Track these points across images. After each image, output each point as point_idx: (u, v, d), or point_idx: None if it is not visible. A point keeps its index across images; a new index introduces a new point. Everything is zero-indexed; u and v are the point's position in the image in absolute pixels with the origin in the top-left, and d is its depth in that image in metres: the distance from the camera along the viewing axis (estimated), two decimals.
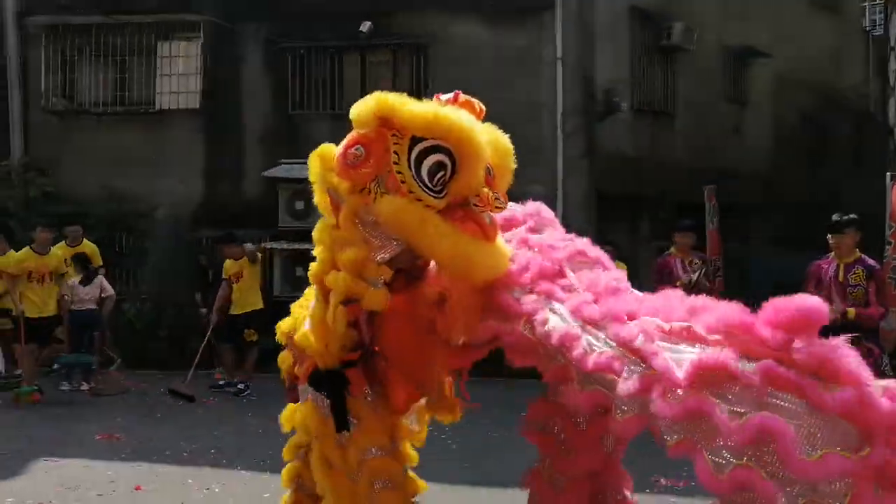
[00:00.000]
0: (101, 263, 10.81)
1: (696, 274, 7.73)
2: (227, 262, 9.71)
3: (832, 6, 17.00)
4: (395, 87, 11.92)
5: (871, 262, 6.42)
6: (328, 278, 3.31)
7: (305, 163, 11.82)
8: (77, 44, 12.49)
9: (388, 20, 11.80)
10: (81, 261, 9.85)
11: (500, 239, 3.34)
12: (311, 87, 12.12)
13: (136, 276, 12.23)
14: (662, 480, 5.76)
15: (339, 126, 13.21)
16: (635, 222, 12.72)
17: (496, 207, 3.25)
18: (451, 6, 11.71)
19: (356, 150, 3.24)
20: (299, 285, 11.96)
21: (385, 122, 3.20)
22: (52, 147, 12.52)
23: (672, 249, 8.09)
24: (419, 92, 11.77)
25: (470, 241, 3.15)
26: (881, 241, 8.76)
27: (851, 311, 6.09)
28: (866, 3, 16.47)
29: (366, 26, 11.66)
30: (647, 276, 9.42)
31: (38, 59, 12.53)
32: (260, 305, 9.77)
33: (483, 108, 3.43)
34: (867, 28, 16.32)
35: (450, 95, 3.38)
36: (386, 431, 3.40)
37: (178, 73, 12.18)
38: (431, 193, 3.19)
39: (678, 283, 7.56)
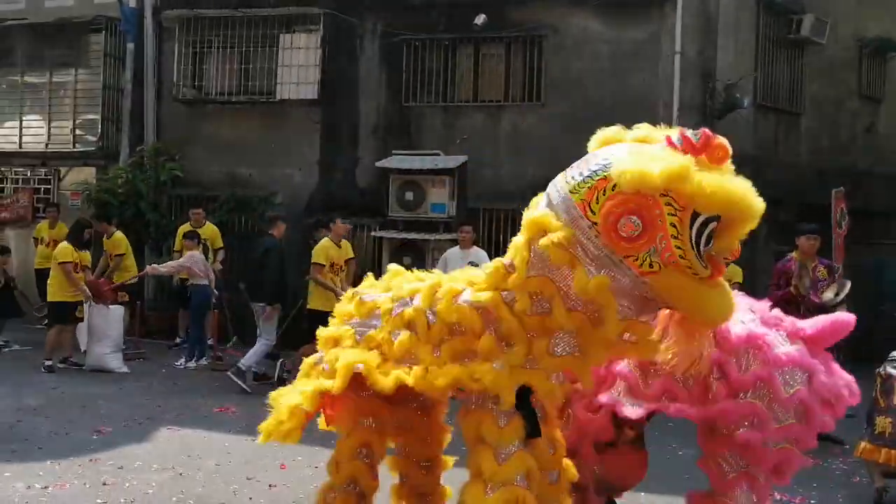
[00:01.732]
0: (221, 245, 11.37)
1: (843, 292, 7.35)
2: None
3: None
4: (507, 80, 11.95)
5: None
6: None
7: (417, 154, 12.13)
8: (206, 36, 13.05)
9: (503, 12, 11.73)
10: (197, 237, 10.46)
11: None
12: (425, 78, 12.22)
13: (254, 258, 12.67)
14: (777, 495, 5.53)
15: (451, 117, 13.50)
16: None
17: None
18: None
19: (633, 221, 3.19)
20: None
21: (667, 195, 3.20)
22: (181, 134, 13.17)
23: (794, 254, 7.73)
24: (532, 84, 11.73)
25: (722, 295, 3.36)
26: None
27: None
28: None
29: (480, 18, 11.64)
30: (763, 282, 9.03)
31: (171, 51, 13.18)
32: None
33: (729, 148, 3.43)
34: None
35: (697, 134, 3.34)
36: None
37: (298, 65, 12.52)
38: (702, 262, 3.29)
39: (792, 287, 7.24)
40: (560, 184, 3.47)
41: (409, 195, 11.65)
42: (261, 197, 12.49)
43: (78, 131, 13.71)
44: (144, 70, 13.27)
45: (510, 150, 11.84)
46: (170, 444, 6.51)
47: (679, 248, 3.19)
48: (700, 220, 3.22)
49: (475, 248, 9.44)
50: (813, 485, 6.01)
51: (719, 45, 11.41)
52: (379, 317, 3.92)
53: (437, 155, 11.74)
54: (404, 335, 3.74)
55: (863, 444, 5.62)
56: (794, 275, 7.54)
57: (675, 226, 3.17)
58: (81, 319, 9.79)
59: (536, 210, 3.51)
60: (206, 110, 13.20)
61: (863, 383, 6.02)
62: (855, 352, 8.29)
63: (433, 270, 4.59)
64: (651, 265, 3.21)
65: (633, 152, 3.30)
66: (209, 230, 11.35)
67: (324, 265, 9.24)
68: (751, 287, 10.62)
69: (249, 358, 9.06)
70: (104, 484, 5.40)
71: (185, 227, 11.19)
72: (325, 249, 9.36)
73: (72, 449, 6.16)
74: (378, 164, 11.86)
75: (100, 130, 13.53)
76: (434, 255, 11.46)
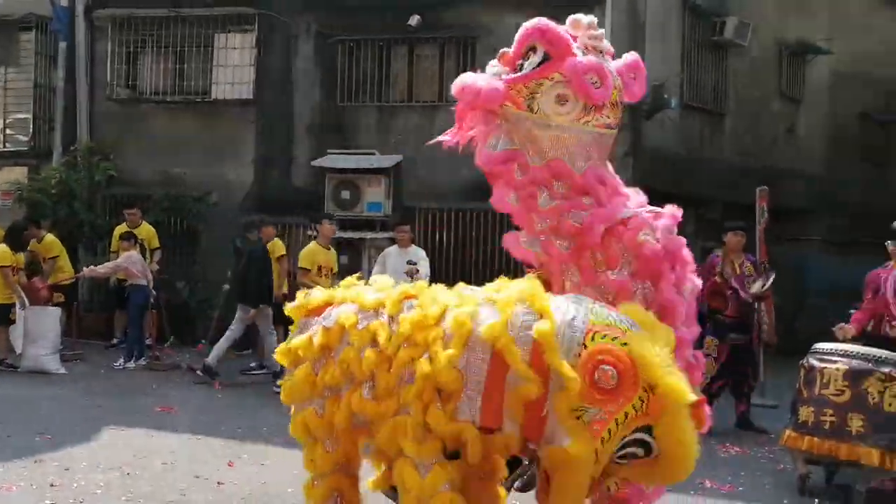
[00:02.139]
0: (158, 246, 11.27)
1: (768, 282, 7.69)
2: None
3: None
4: (441, 80, 12.11)
5: None
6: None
7: (353, 153, 12.22)
8: (140, 36, 12.89)
9: (437, 13, 11.88)
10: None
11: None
12: (359, 78, 12.30)
13: (190, 257, 12.61)
14: (707, 482, 5.90)
15: (386, 117, 13.60)
16: (681, 222, 12.59)
17: None
18: (498, 0, 11.74)
19: (611, 375, 3.30)
20: (343, 273, 12.25)
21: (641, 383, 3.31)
22: (115, 133, 12.99)
23: (718, 251, 8.05)
24: None
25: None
26: None
27: None
28: None
29: (414, 20, 11.78)
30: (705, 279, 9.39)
31: (105, 50, 12.99)
32: None
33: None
34: None
35: None
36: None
37: (233, 65, 12.48)
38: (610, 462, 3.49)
39: (716, 278, 7.57)
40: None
41: (345, 194, 11.75)
42: (195, 196, 12.40)
43: (8, 130, 13.47)
44: (77, 69, 13.03)
45: (445, 150, 11.90)
46: (114, 444, 6.48)
47: (613, 433, 3.31)
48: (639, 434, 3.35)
49: (413, 246, 9.56)
50: (741, 473, 6.33)
51: (647, 48, 11.74)
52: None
53: (373, 154, 11.85)
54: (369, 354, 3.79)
55: (787, 432, 5.89)
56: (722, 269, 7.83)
57: (627, 415, 3.30)
58: (14, 322, 9.67)
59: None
60: (140, 109, 13.03)
61: (788, 375, 6.41)
62: (779, 345, 8.74)
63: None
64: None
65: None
66: (145, 230, 11.24)
67: (309, 269, 9.20)
68: None
69: (270, 358, 8.95)
70: (51, 485, 5.37)
71: (121, 228, 11.06)
72: (313, 254, 9.34)
73: (15, 452, 6.09)
74: (314, 163, 11.93)
75: (31, 129, 13.30)
76: (371, 254, 11.58)
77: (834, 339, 6.14)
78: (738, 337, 7.62)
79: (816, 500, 5.67)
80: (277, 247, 10.17)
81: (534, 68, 4.11)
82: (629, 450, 3.38)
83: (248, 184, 12.53)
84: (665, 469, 3.42)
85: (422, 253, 9.50)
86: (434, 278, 9.46)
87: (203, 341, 10.99)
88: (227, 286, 10.62)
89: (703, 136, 12.89)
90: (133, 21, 12.84)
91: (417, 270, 8.97)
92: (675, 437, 3.30)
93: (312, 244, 9.54)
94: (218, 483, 5.58)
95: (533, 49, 4.18)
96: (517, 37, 4.27)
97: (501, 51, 4.37)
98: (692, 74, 12.53)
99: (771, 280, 7.75)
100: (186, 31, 12.69)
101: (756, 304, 7.91)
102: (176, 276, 12.11)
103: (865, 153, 15.89)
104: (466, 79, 4.28)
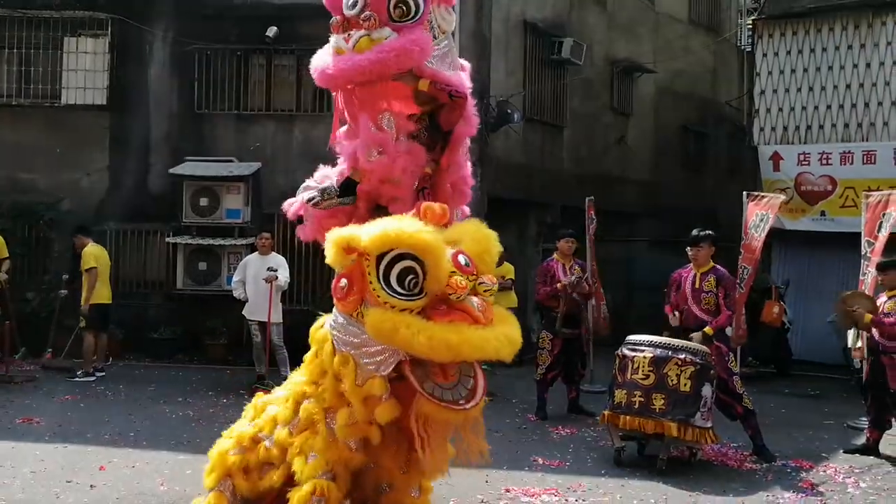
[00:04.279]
0: (6, 255, 11.03)
1: (575, 277, 8.58)
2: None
3: (710, 25, 18.35)
4: (299, 91, 12.53)
5: (721, 270, 7.22)
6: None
7: (210, 160, 12.61)
8: None
9: (294, 26, 12.24)
10: None
11: (507, 321, 3.98)
12: (217, 87, 12.51)
13: (41, 267, 12.40)
14: (540, 460, 6.70)
15: (244, 125, 13.90)
16: (523, 226, 13.59)
17: (484, 291, 3.85)
18: None
19: (341, 283, 3.91)
20: (201, 279, 12.49)
21: (358, 252, 3.82)
22: None
23: (555, 255, 8.93)
24: (322, 96, 12.38)
25: (447, 329, 3.68)
26: None
27: (708, 329, 6.92)
28: (741, 23, 17.88)
29: (272, 31, 12.10)
30: (533, 277, 10.29)
31: None
32: None
33: (446, 210, 4.04)
34: (742, 46, 17.72)
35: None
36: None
37: (85, 70, 12.37)
38: (405, 298, 3.77)
39: (559, 285, 8.45)
40: None
41: (204, 201, 11.96)
42: (46, 203, 12.22)
43: None
44: None
45: (303, 158, 12.35)
46: None
47: (374, 289, 3.80)
48: (384, 260, 3.80)
49: (273, 253, 9.92)
50: (570, 448, 7.24)
51: (492, 65, 12.65)
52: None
53: (231, 162, 12.11)
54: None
55: (606, 413, 6.85)
56: (557, 272, 8.69)
57: (369, 273, 3.83)
58: None
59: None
60: None
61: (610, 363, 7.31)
62: (610, 336, 9.73)
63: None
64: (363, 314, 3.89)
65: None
66: None
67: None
68: (523, 282, 12.06)
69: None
70: None
71: None
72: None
73: None
74: (171, 170, 12.03)
75: None
76: (230, 261, 11.86)
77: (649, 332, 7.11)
78: (569, 331, 8.54)
79: None
80: (85, 258, 10.15)
81: None
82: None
83: (102, 191, 12.47)
84: None
85: (281, 259, 9.86)
86: (293, 284, 9.94)
87: (50, 350, 10.93)
88: (64, 291, 10.81)
89: (543, 147, 13.94)
90: None
91: (277, 277, 9.38)
92: None
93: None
94: (91, 486, 5.79)
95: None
96: None
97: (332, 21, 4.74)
98: (533, 90, 13.54)
99: (578, 277, 8.62)
100: (33, 33, 12.44)
101: (584, 301, 8.87)
102: (26, 286, 11.93)
103: (685, 162, 17.59)
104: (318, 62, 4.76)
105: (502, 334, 3.84)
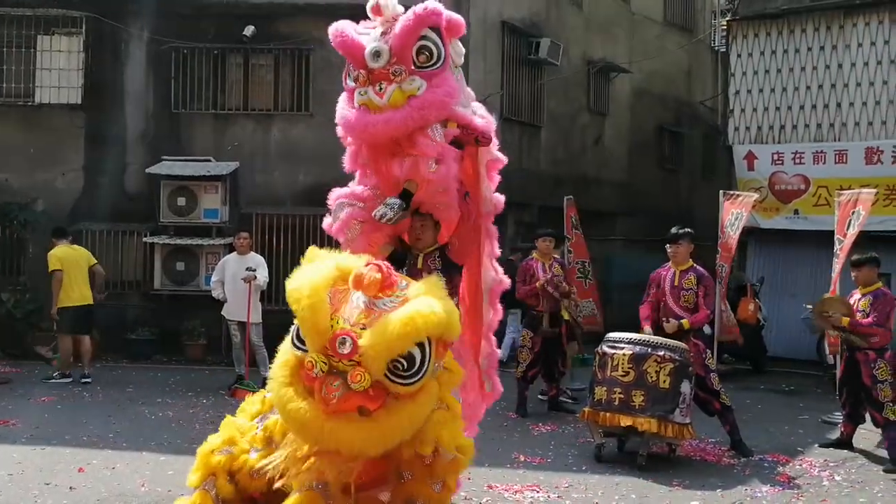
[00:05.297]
0: None
1: (551, 275, 8.64)
2: None
3: (685, 26, 18.53)
4: (277, 90, 12.50)
5: (701, 269, 7.29)
6: None
7: (188, 160, 12.57)
8: None
9: (272, 25, 12.25)
10: None
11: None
12: (194, 86, 12.45)
13: (16, 268, 12.29)
14: (521, 457, 6.75)
15: (222, 125, 13.87)
16: (501, 226, 13.58)
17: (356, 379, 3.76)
18: (333, 14, 12.21)
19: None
20: (179, 279, 12.44)
21: None
22: None
23: (534, 254, 8.99)
24: (301, 95, 12.37)
25: (297, 402, 3.80)
26: None
27: (685, 322, 6.99)
28: (715, 24, 18.08)
29: (249, 30, 12.08)
30: (511, 276, 10.33)
31: None
32: None
33: (376, 282, 3.89)
34: (717, 47, 17.92)
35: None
36: None
37: (59, 68, 12.24)
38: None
39: (537, 283, 8.50)
40: None
41: (181, 201, 11.91)
42: (20, 204, 12.09)
43: None
44: None
45: (280, 158, 12.40)
46: None
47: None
48: None
49: (252, 253, 9.88)
50: (550, 445, 7.29)
51: (471, 65, 12.67)
52: None
53: (209, 161, 12.06)
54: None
55: (586, 410, 6.90)
56: (536, 271, 8.75)
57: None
58: None
59: None
60: None
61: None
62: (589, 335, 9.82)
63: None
64: None
65: None
66: None
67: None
68: None
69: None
70: None
71: None
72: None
73: None
74: (148, 170, 11.96)
75: None
76: (208, 260, 11.82)
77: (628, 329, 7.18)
78: (550, 330, 8.60)
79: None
80: (49, 261, 9.94)
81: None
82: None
83: (77, 191, 12.38)
84: None
85: (259, 259, 9.81)
86: (272, 284, 9.92)
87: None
88: None
89: (521, 147, 14.00)
90: None
91: (255, 277, 9.35)
92: None
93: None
94: (70, 488, 5.75)
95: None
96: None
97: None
98: (511, 90, 13.60)
99: (554, 275, 8.67)
100: (6, 31, 12.33)
101: (564, 299, 8.92)
102: (0, 287, 11.81)
103: (660, 161, 17.75)
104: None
105: (336, 431, 3.73)
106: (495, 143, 5.00)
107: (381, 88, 4.51)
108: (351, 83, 4.69)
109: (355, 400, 3.74)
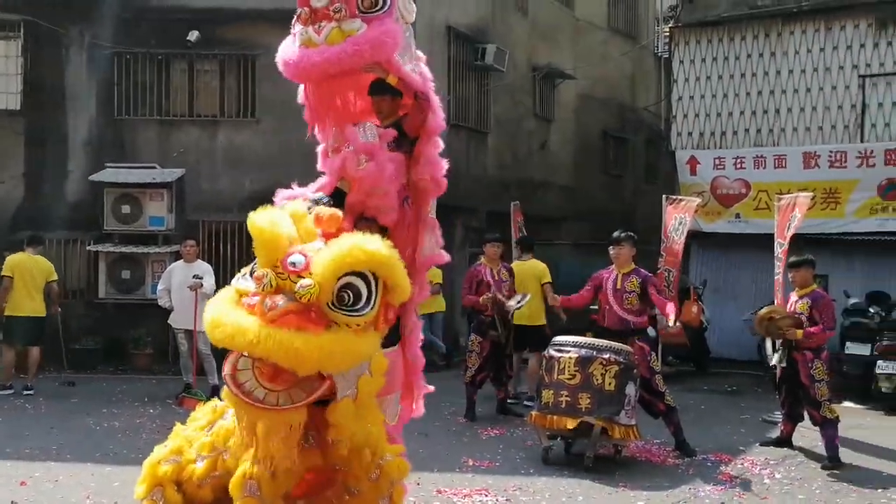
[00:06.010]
0: None
1: (524, 301, 8.62)
2: None
3: (629, 32, 18.85)
4: (222, 96, 12.39)
5: (644, 272, 7.40)
6: None
7: (132, 167, 12.41)
8: None
9: (216, 30, 12.12)
10: None
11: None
12: (138, 92, 12.27)
13: None
14: (470, 461, 6.82)
15: (166, 131, 13.71)
16: (449, 231, 13.63)
17: (301, 290, 3.74)
18: (279, 19, 12.14)
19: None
20: (125, 288, 12.22)
21: None
22: None
23: (482, 259, 9.06)
24: (247, 100, 12.28)
25: (234, 315, 3.87)
26: None
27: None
28: (658, 30, 18.43)
29: (193, 35, 11.93)
30: (459, 281, 10.41)
31: None
32: None
33: (336, 219, 4.07)
34: (660, 53, 18.26)
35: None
36: None
37: None
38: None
39: (481, 299, 8.52)
40: None
41: (126, 208, 11.73)
42: None
43: None
44: None
45: (227, 164, 12.28)
46: None
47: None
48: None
49: (199, 261, 9.76)
50: (499, 448, 7.37)
51: None
52: None
53: (154, 168, 11.89)
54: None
55: (533, 413, 7.00)
56: (484, 276, 8.80)
57: None
58: None
59: None
60: None
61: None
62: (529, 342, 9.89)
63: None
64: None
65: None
66: None
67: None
68: (450, 286, 12.18)
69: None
70: None
71: None
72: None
73: None
74: (91, 177, 11.75)
75: None
76: (154, 268, 11.66)
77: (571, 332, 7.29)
78: (498, 334, 8.68)
79: None
80: (4, 266, 9.78)
81: None
82: None
83: (18, 198, 12.10)
84: None
85: (206, 267, 9.70)
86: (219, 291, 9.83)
87: None
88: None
89: (468, 152, 14.10)
90: None
91: (202, 285, 9.25)
92: None
93: None
94: (12, 502, 5.65)
95: None
96: None
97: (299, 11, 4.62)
98: (458, 96, 13.68)
99: (526, 300, 8.74)
100: None
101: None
102: None
103: (605, 166, 18.03)
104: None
105: (274, 335, 3.68)
106: (436, 99, 4.76)
107: (320, 27, 4.47)
108: (297, 26, 4.64)
109: (296, 316, 3.72)
